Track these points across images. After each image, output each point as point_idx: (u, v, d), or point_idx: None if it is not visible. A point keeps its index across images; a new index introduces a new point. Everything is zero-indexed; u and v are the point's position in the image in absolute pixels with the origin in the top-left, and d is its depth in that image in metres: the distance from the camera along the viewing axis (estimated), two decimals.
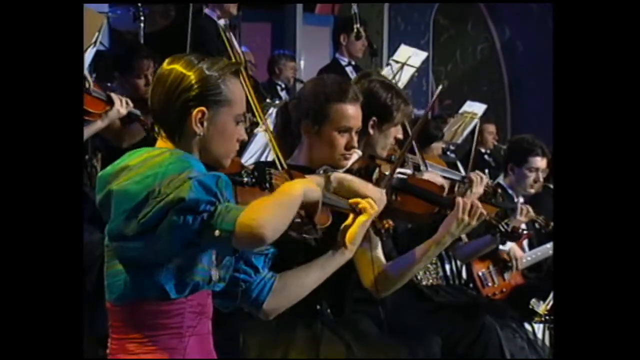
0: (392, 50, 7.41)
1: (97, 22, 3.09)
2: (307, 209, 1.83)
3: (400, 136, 2.86)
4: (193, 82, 1.77)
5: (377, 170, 2.47)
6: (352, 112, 2.46)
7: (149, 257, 1.71)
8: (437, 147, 3.81)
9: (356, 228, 2.04)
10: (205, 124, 1.79)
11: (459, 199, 2.46)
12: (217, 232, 1.65)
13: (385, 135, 2.77)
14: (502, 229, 2.56)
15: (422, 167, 2.91)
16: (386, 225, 2.19)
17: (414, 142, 2.85)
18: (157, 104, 1.81)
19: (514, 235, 2.63)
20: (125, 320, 1.75)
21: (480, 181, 3.19)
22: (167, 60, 1.83)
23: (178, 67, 1.79)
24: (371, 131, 2.77)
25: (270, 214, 1.67)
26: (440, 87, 2.64)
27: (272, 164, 2.13)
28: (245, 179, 1.94)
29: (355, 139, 2.49)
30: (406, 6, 8.86)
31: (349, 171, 2.44)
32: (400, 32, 8.74)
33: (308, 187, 1.81)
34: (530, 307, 3.76)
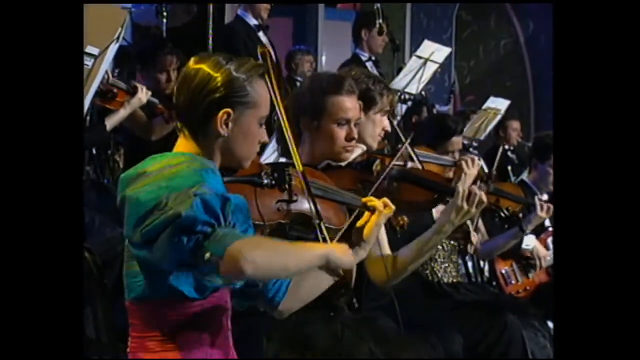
0: (414, 46, 7.36)
1: (120, 17, 3.09)
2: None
3: (388, 128, 2.88)
4: (220, 83, 1.76)
5: (377, 161, 2.46)
6: (349, 104, 2.48)
7: (156, 266, 1.70)
8: (457, 141, 3.72)
9: (371, 227, 2.03)
10: (230, 125, 1.78)
11: (459, 187, 2.45)
12: (207, 255, 1.61)
13: (372, 123, 2.79)
14: (503, 214, 2.58)
15: (414, 158, 2.90)
16: (401, 222, 2.20)
17: (401, 135, 2.88)
18: (183, 103, 1.79)
19: (514, 220, 2.65)
20: (145, 318, 1.75)
21: (472, 164, 3.18)
22: (193, 59, 1.81)
23: (205, 68, 1.78)
24: None
25: (264, 253, 1.61)
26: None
27: (291, 165, 2.12)
28: (265, 181, 1.94)
29: (355, 130, 2.49)
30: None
31: (349, 165, 2.45)
32: (422, 27, 8.69)
33: (333, 253, 1.74)
34: None
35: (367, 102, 2.77)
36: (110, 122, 3.64)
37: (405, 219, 2.23)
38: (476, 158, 3.21)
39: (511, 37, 9.47)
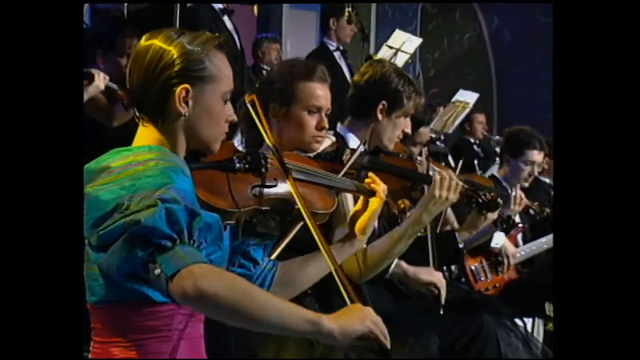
0: (380, 37, 7.28)
1: None
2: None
3: (408, 131, 2.78)
4: (174, 57, 1.60)
5: (347, 151, 2.35)
6: (321, 91, 2.37)
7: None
8: (425, 132, 3.66)
9: (368, 216, 1.90)
10: (190, 103, 1.61)
11: (437, 174, 2.34)
12: (157, 271, 1.42)
13: (393, 125, 2.71)
14: (481, 200, 2.47)
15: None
16: (402, 206, 2.07)
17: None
18: (137, 84, 1.63)
19: (492, 205, 2.54)
20: (109, 322, 1.58)
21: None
22: (144, 37, 1.65)
23: (157, 43, 1.61)
24: (379, 116, 2.70)
25: (222, 286, 1.39)
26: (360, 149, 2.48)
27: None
28: (238, 165, 1.79)
29: (326, 120, 2.39)
30: None
31: (318, 156, 2.34)
32: (388, 18, 8.63)
33: (326, 324, 1.43)
34: (547, 313, 3.67)
35: (392, 104, 2.69)
36: None
37: (407, 201, 2.09)
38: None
39: (475, 31, 9.46)
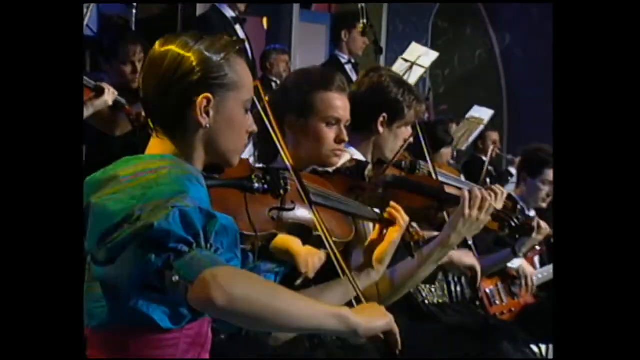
0: (390, 52, 7.18)
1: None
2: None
3: (411, 139, 2.63)
4: (194, 64, 1.49)
5: (369, 167, 2.20)
6: (340, 102, 2.23)
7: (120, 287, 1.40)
8: (447, 152, 3.57)
9: (386, 246, 1.79)
10: (210, 113, 1.50)
11: (465, 192, 2.18)
12: (175, 278, 1.32)
13: (395, 136, 2.58)
14: (514, 223, 2.31)
15: (434, 176, 2.66)
16: (415, 237, 1.92)
17: (425, 150, 2.63)
18: (152, 93, 1.52)
19: (526, 229, 2.37)
20: (107, 350, 1.45)
21: (501, 196, 2.91)
22: (158, 42, 1.54)
23: (174, 49, 1.51)
24: (380, 129, 2.57)
25: (248, 287, 1.29)
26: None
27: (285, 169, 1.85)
28: (256, 185, 1.67)
29: (345, 132, 2.25)
30: (405, 8, 8.66)
31: (338, 171, 2.20)
32: (398, 33, 8.54)
33: (351, 316, 1.37)
34: None
35: (393, 115, 2.55)
36: None
37: (421, 233, 1.94)
38: (504, 190, 2.88)
39: (486, 47, 9.37)
